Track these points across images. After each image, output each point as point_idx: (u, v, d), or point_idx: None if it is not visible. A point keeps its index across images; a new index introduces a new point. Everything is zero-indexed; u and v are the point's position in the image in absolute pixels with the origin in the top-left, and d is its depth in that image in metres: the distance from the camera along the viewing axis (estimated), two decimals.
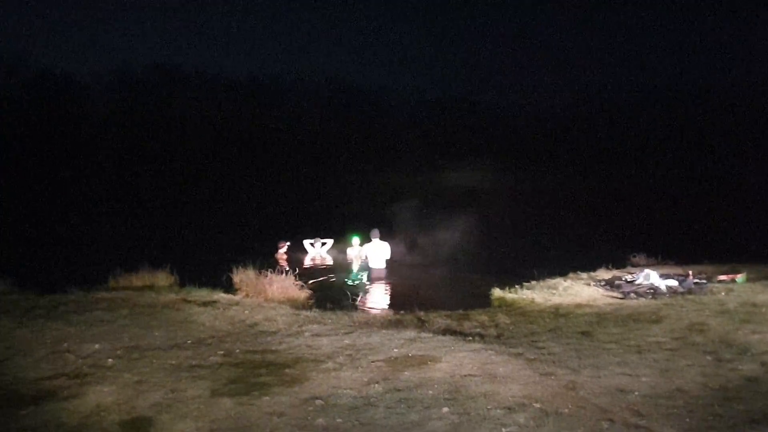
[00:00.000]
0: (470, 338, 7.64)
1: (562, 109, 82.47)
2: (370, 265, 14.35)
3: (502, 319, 9.05)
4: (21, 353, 6.63)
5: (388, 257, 14.43)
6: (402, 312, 9.71)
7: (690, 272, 11.98)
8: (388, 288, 13.38)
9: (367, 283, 13.81)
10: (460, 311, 9.69)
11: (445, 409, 5.07)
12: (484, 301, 11.10)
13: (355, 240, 16.13)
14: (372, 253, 14.43)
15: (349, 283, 13.82)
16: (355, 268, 14.92)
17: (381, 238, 14.52)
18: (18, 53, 72.69)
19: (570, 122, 77.35)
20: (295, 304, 10.63)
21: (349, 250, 16.33)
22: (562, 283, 12.00)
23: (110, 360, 6.49)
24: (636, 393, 5.60)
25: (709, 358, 6.64)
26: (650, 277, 11.53)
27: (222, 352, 6.91)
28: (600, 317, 8.87)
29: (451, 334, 7.89)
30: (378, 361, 6.49)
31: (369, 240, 14.66)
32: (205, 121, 68.59)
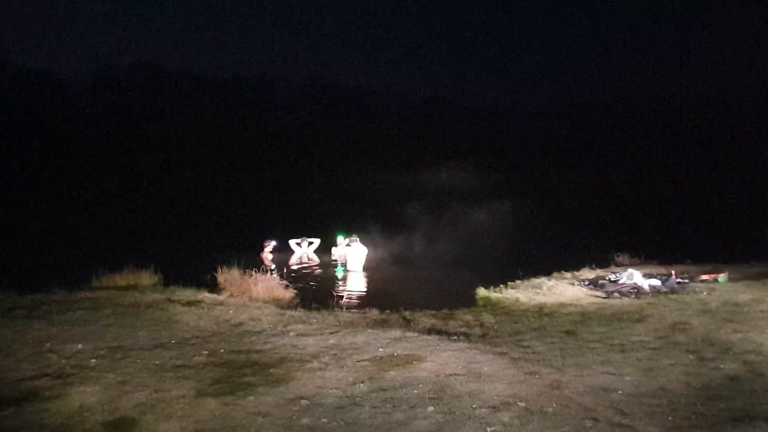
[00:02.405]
0: (455, 337, 7.67)
1: (547, 110, 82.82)
2: (349, 267, 14.86)
3: (487, 318, 9.09)
4: (2, 353, 6.54)
5: (364, 261, 14.99)
6: (387, 311, 9.71)
7: (673, 272, 12.12)
8: (372, 287, 13.41)
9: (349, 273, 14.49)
10: (445, 310, 9.74)
11: (430, 409, 5.08)
12: (469, 301, 11.12)
13: (341, 239, 16.21)
14: (351, 256, 14.98)
15: (337, 273, 14.33)
16: (339, 267, 15.19)
17: (362, 242, 15.21)
18: None
19: (554, 123, 77.65)
20: (281, 304, 10.61)
21: (334, 250, 16.44)
22: (546, 282, 12.09)
23: (93, 360, 6.43)
24: (619, 392, 5.65)
25: (691, 357, 6.71)
26: (633, 276, 11.63)
27: (206, 352, 6.87)
28: (584, 316, 8.94)
29: (437, 334, 7.92)
30: (363, 360, 6.49)
31: (350, 244, 15.26)
32: (189, 120, 68.05)
